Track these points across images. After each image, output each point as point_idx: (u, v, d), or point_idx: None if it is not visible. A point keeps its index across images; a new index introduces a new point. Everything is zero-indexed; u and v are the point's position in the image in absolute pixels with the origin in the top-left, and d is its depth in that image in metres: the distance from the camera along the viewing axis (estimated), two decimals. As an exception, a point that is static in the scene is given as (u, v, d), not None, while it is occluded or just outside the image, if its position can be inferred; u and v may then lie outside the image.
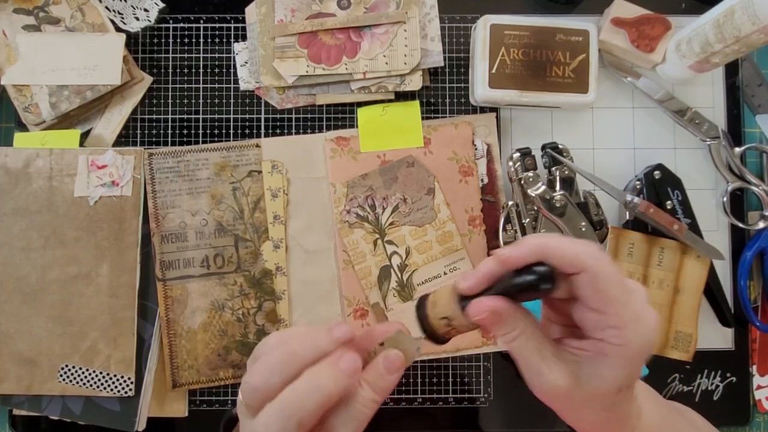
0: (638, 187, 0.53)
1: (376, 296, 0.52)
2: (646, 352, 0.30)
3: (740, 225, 0.53)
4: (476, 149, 0.54)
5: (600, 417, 0.32)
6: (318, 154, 0.54)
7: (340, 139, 0.54)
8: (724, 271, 0.54)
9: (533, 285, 0.29)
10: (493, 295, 0.30)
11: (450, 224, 0.53)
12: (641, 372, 0.28)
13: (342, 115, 0.55)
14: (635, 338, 0.29)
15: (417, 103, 0.54)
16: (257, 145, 0.54)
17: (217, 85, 0.55)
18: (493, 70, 0.51)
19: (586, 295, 0.29)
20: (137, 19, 0.55)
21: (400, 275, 0.53)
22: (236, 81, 0.55)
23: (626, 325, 0.29)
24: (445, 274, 0.53)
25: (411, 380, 0.54)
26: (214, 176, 0.53)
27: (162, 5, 0.55)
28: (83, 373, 0.51)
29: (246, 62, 0.55)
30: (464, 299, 0.30)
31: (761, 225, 0.53)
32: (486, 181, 0.54)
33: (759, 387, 0.54)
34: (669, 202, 0.51)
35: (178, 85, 0.55)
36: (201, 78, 0.55)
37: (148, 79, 0.55)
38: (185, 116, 0.55)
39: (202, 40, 0.55)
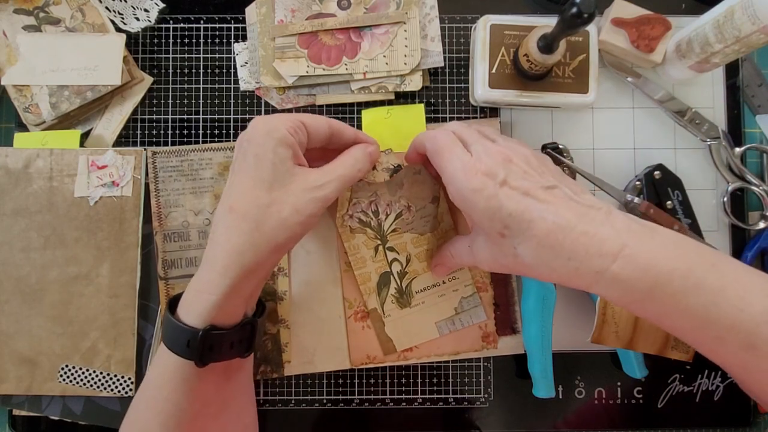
0: (638, 187, 0.53)
1: (374, 302, 0.52)
2: (461, 195, 0.37)
3: (741, 225, 0.53)
4: (476, 149, 0.53)
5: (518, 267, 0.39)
6: (318, 154, 0.54)
7: (341, 139, 0.54)
8: (724, 271, 0.54)
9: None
10: None
11: (452, 234, 0.52)
12: (488, 215, 0.36)
13: (342, 116, 0.55)
14: (451, 191, 0.39)
15: (421, 106, 0.54)
16: (257, 146, 0.54)
17: (217, 86, 0.55)
18: (493, 70, 0.51)
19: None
20: (137, 19, 0.55)
21: (399, 282, 0.52)
22: (236, 81, 0.55)
23: (446, 182, 0.39)
24: (444, 282, 0.52)
25: (411, 381, 0.54)
26: (218, 176, 0.53)
27: (162, 5, 0.55)
28: (83, 373, 0.51)
29: (246, 62, 0.55)
30: None
31: (762, 225, 0.53)
32: (486, 181, 0.54)
33: (759, 387, 0.54)
34: (669, 202, 0.51)
35: (178, 86, 0.55)
36: (201, 78, 0.55)
37: (148, 80, 0.55)
38: (185, 116, 0.55)
39: (202, 40, 0.55)
